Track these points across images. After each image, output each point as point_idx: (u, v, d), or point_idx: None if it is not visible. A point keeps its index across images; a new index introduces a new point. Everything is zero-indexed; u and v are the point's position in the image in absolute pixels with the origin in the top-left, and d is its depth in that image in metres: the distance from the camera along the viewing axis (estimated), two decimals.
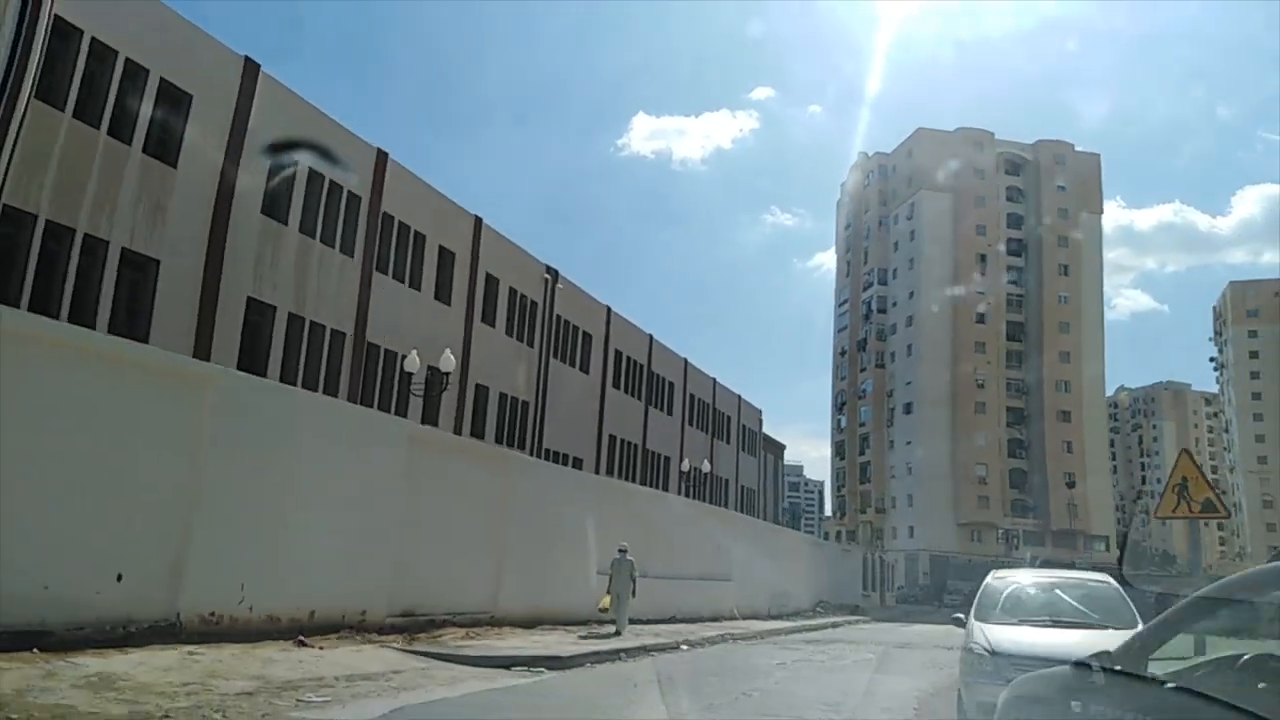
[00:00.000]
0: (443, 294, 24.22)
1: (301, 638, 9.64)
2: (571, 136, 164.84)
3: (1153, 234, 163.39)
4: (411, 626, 11.91)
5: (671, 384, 36.94)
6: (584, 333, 29.68)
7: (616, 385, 31.99)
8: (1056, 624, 8.06)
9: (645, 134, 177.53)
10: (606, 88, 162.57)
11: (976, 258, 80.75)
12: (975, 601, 8.74)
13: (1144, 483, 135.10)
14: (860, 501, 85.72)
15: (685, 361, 38.56)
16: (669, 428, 36.85)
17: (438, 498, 12.67)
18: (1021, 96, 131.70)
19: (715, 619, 21.50)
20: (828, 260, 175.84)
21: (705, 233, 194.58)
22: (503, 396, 25.40)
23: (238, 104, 17.46)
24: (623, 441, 32.24)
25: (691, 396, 39.25)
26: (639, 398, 33.84)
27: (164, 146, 16.25)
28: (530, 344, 27.09)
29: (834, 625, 25.96)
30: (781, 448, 59.39)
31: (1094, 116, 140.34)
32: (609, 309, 31.23)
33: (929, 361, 77.80)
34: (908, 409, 79.80)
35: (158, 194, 16.12)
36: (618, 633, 14.82)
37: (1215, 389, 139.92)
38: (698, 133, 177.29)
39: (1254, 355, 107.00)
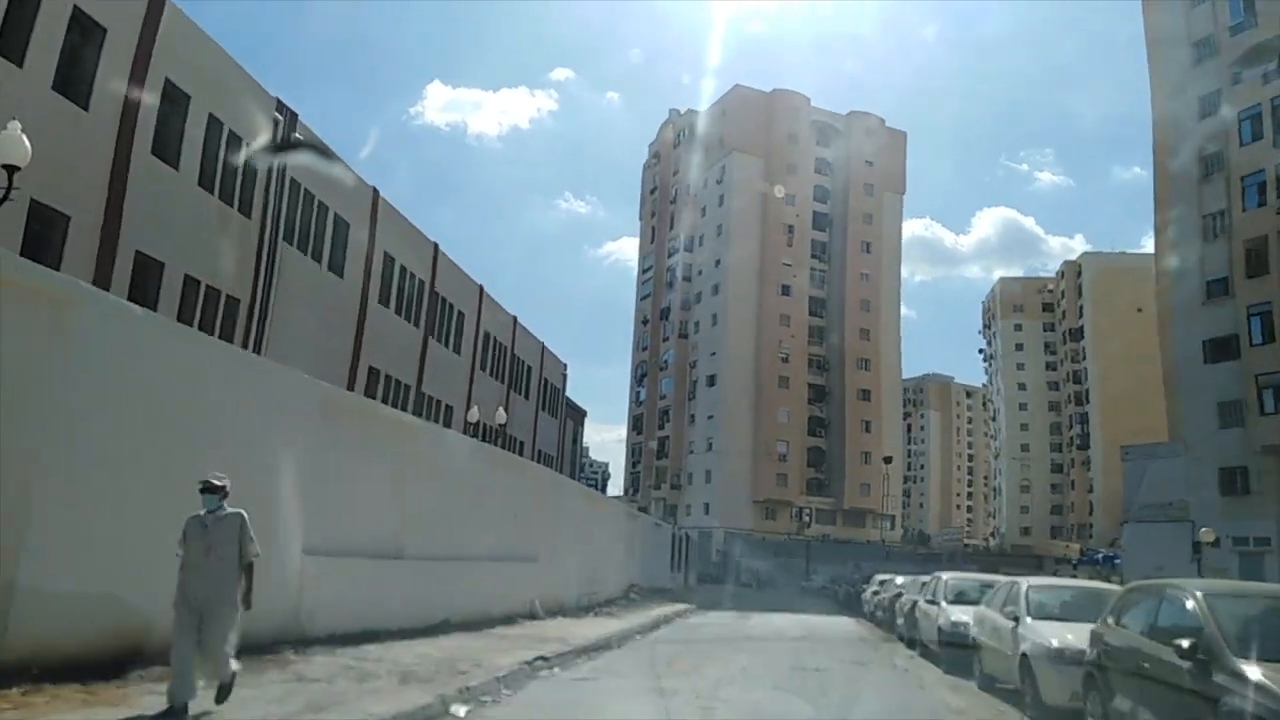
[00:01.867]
0: None
1: None
2: (360, 98, 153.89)
3: (907, 246, 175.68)
4: None
5: (462, 314, 29.01)
6: (336, 215, 21.18)
7: (385, 302, 23.77)
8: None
9: (440, 104, 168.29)
10: (401, 52, 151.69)
11: (785, 228, 77.96)
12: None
13: (909, 469, 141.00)
14: (655, 476, 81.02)
15: (481, 289, 30.75)
16: (454, 369, 28.97)
17: None
18: None
19: (510, 619, 14.27)
20: (619, 249, 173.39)
21: (496, 212, 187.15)
22: (191, 281, 16.54)
23: None
24: (390, 379, 24.10)
25: (486, 335, 31.51)
26: (416, 323, 25.74)
27: None
28: (246, 211, 18.37)
29: (665, 620, 19.42)
30: (583, 414, 52.80)
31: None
32: (376, 191, 22.85)
33: (734, 333, 74.06)
34: (710, 381, 75.81)
35: None
36: (172, 710, 5.56)
37: (972, 382, 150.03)
38: (495, 108, 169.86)
39: (1019, 348, 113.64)
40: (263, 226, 18.97)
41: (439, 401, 27.01)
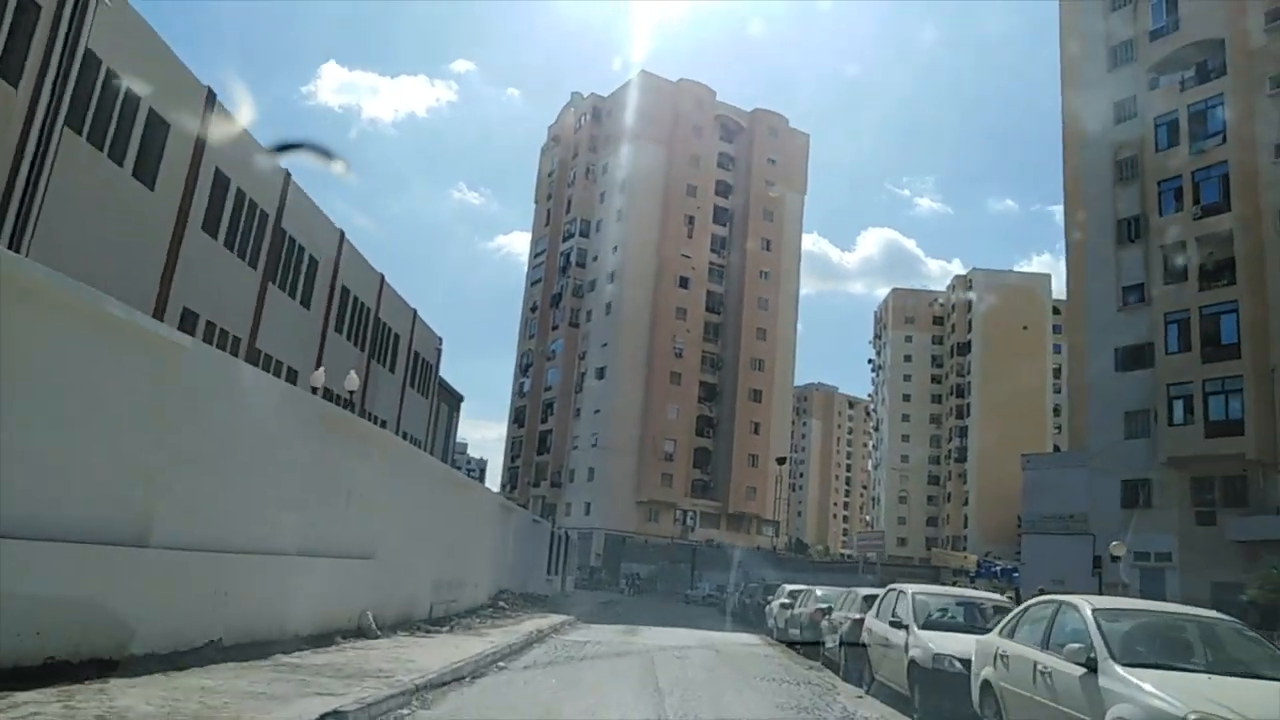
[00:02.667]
0: None
1: None
2: (251, 75, 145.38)
3: None
4: None
5: (314, 261, 24.30)
6: (151, 111, 16.34)
7: (213, 231, 19.03)
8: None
9: (335, 85, 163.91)
10: (297, 29, 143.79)
11: (685, 219, 75.23)
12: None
13: (790, 476, 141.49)
14: (535, 473, 76.79)
15: (342, 235, 26.09)
16: (302, 326, 24.27)
17: None
18: None
19: (324, 638, 10.22)
20: (510, 243, 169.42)
21: (389, 199, 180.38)
22: None
23: None
24: (214, 328, 19.37)
25: (345, 291, 26.84)
26: (254, 263, 21.02)
27: None
28: (12, 79, 13.56)
29: (539, 638, 15.58)
30: (459, 399, 48.22)
31: None
32: (212, 92, 18.06)
33: (628, 324, 70.70)
34: (600, 374, 72.20)
35: None
36: None
37: (855, 393, 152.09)
38: (391, 94, 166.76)
39: (907, 359, 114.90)
40: (33, 102, 14.20)
41: (277, 360, 22.31)
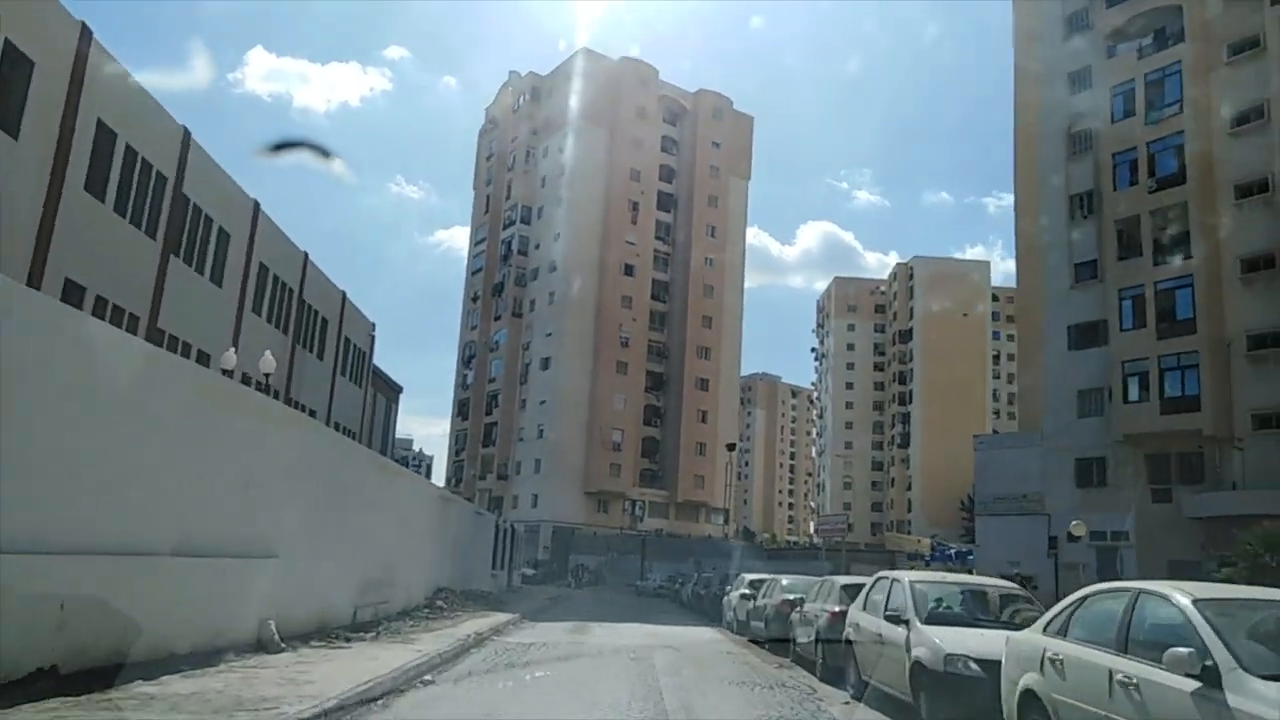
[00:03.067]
0: None
1: None
2: (172, 60, 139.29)
3: None
4: None
5: (225, 233, 22.04)
6: (7, 41, 14.04)
7: (99, 193, 16.80)
8: None
9: (263, 73, 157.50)
10: (219, 13, 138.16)
11: (629, 204, 73.55)
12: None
13: (736, 465, 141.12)
14: (481, 466, 74.57)
15: (256, 206, 23.83)
16: (213, 305, 22.02)
17: None
18: None
19: (213, 655, 8.41)
20: (450, 238, 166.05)
21: (324, 193, 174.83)
22: None
23: None
24: (106, 303, 17.16)
25: (263, 268, 24.60)
26: (152, 233, 18.79)
27: None
28: None
29: (479, 641, 13.86)
30: (398, 390, 45.98)
31: None
32: (85, 27, 15.81)
33: (573, 313, 68.83)
34: (545, 364, 70.26)
35: None
36: None
37: (798, 383, 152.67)
38: (323, 82, 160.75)
39: (850, 347, 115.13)
40: None
41: (187, 345, 20.11)
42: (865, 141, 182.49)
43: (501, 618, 18.11)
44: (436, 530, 20.15)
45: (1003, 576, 30.30)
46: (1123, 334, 32.14)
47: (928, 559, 39.53)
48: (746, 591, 19.12)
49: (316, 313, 28.34)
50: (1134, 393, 31.56)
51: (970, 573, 30.65)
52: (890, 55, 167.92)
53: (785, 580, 16.73)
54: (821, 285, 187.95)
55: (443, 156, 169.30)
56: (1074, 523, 27.09)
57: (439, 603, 19.04)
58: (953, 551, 38.20)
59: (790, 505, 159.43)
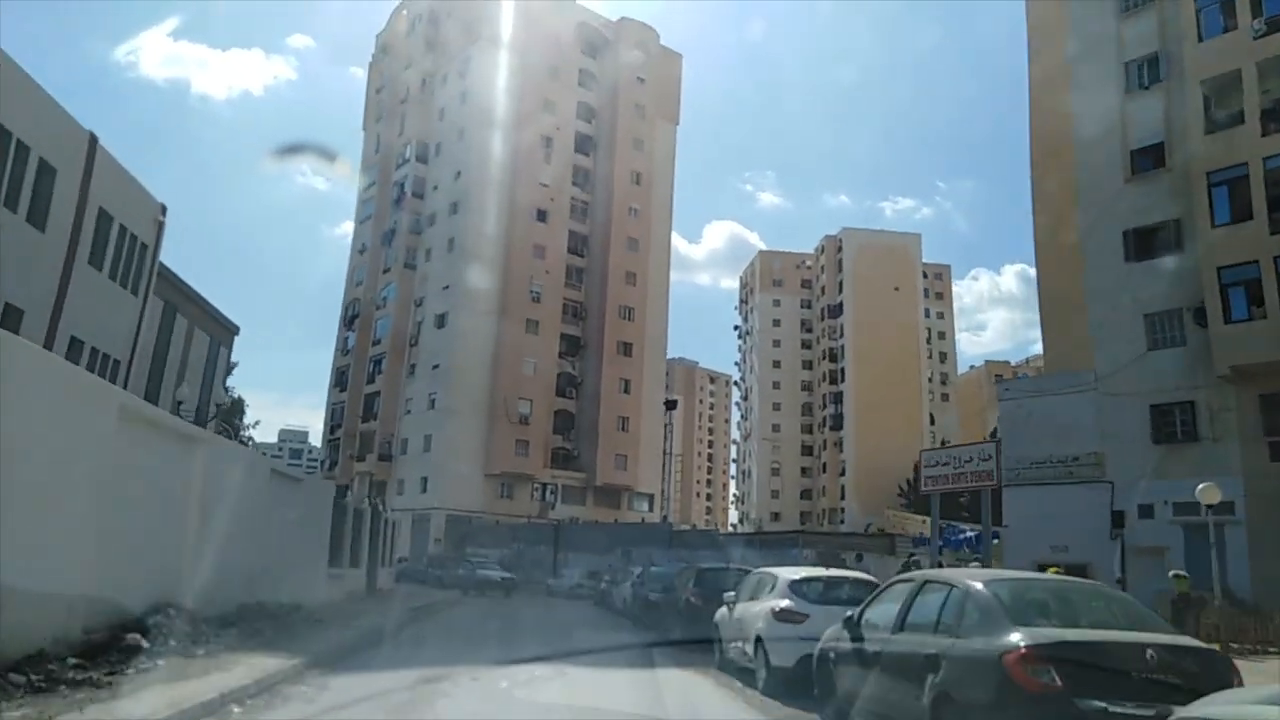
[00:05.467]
0: None
1: None
2: (61, 46, 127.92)
3: None
4: None
5: None
6: None
7: None
8: None
9: (159, 58, 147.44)
10: None
11: (542, 140, 62.93)
12: None
13: (663, 442, 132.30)
14: (360, 445, 62.76)
15: None
16: None
17: None
18: None
19: None
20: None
21: (223, 184, 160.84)
22: None
23: None
24: None
25: None
26: None
27: None
28: None
29: None
30: (233, 329, 34.31)
31: None
32: None
33: (475, 262, 57.67)
34: (440, 321, 59.04)
35: None
36: None
37: (718, 369, 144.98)
38: (222, 69, 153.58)
39: (776, 324, 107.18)
40: None
41: None
42: (768, 144, 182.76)
43: (261, 670, 7.74)
44: (157, 500, 9.54)
45: (1039, 567, 20.19)
46: (1215, 230, 23.61)
47: (940, 545, 30.35)
48: (787, 604, 9.04)
49: (23, 145, 17.03)
50: (1238, 309, 23.01)
51: (982, 565, 21.56)
52: (797, 56, 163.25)
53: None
54: (729, 284, 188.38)
55: (351, 149, 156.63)
56: (1201, 486, 17.98)
57: (136, 639, 8.60)
58: (968, 535, 29.16)
59: (709, 496, 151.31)
